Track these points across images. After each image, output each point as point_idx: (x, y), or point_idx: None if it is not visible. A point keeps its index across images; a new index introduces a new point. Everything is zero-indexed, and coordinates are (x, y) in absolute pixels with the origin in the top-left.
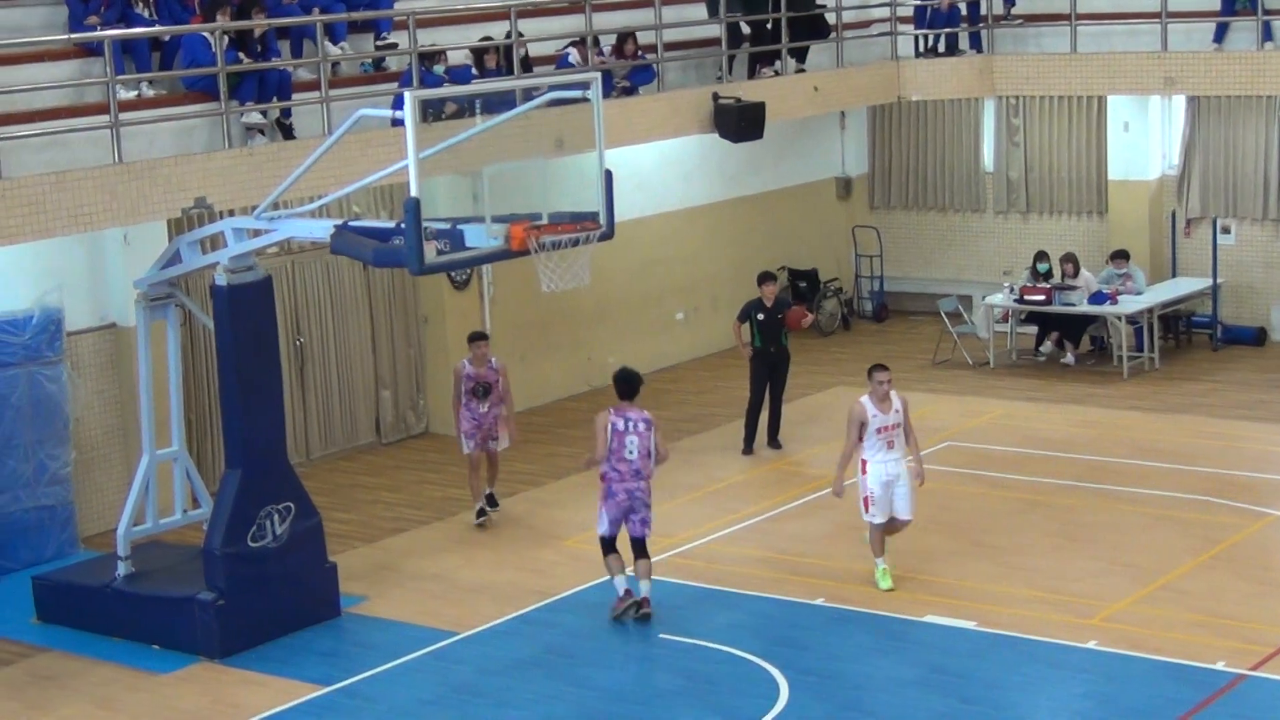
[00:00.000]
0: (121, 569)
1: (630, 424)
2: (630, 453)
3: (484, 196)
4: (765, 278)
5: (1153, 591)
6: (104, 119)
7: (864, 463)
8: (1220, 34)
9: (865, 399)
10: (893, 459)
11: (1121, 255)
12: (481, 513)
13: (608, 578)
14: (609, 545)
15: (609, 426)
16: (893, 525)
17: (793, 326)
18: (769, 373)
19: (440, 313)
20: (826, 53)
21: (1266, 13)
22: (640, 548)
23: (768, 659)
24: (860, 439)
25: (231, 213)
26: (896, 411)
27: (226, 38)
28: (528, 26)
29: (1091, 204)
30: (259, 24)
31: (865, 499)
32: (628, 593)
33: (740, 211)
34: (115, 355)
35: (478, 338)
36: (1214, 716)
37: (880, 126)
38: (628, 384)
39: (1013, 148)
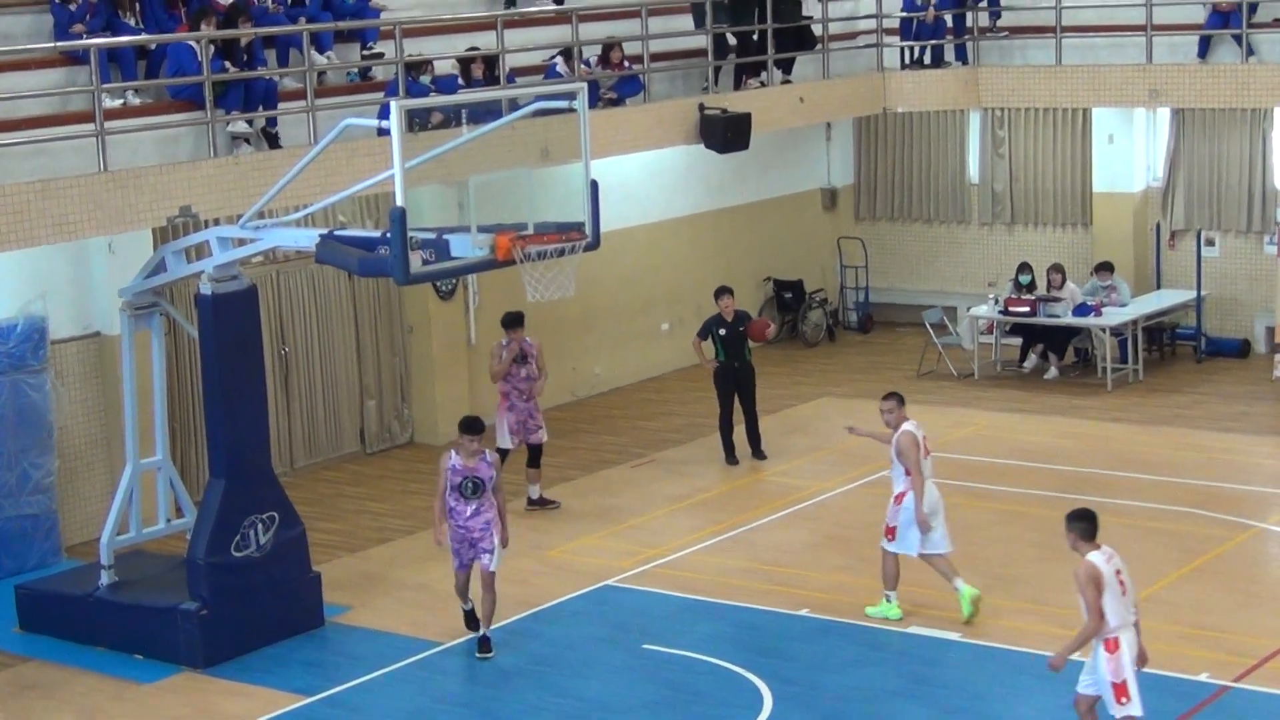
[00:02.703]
0: (105, 578)
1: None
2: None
3: (470, 206)
4: (721, 292)
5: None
6: (89, 127)
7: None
8: (1204, 48)
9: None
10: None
11: (1106, 267)
12: (472, 619)
13: (593, 587)
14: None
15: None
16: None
17: (757, 338)
18: (734, 387)
19: (426, 322)
20: (812, 64)
21: (1250, 27)
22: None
23: (751, 670)
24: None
25: (216, 221)
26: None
27: (212, 46)
28: (514, 37)
29: (1076, 216)
30: (245, 33)
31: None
32: None
33: (726, 222)
34: (99, 364)
35: (470, 429)
36: None
37: (866, 138)
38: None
39: (998, 159)
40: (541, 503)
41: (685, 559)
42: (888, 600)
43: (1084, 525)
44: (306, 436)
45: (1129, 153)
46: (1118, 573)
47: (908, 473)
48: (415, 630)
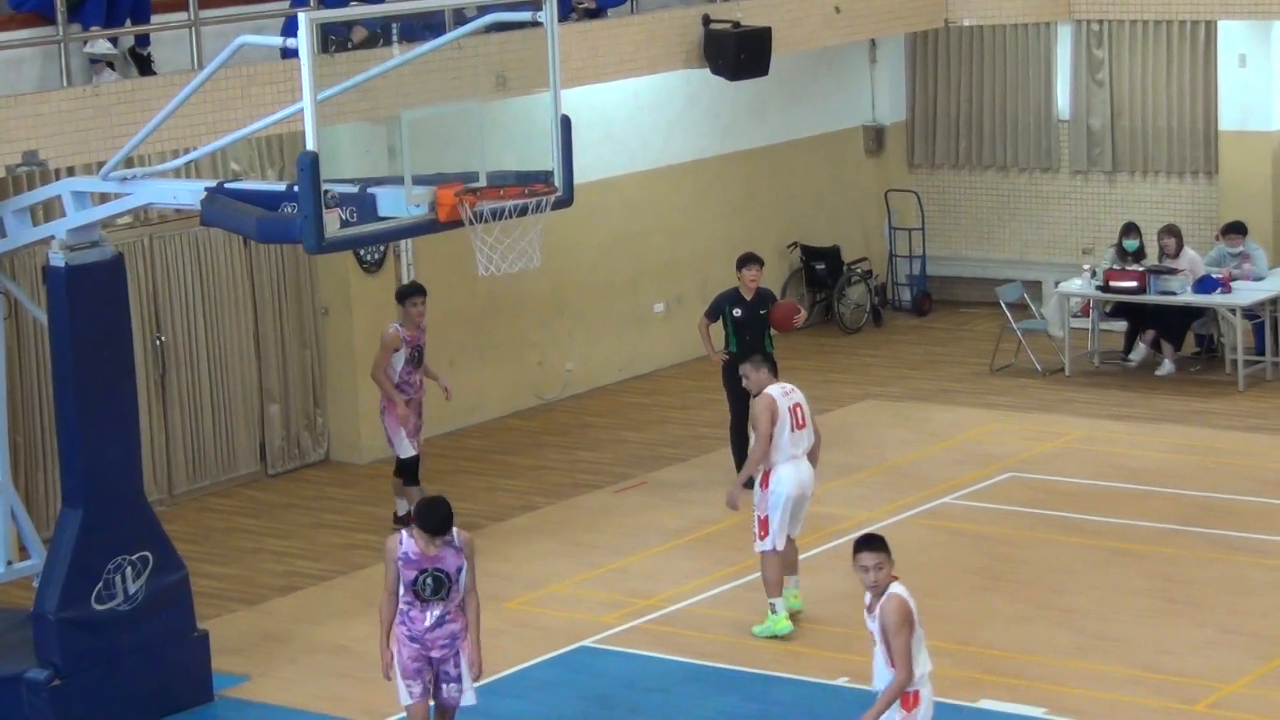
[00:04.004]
0: None
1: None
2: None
3: (403, 151)
4: (747, 260)
5: (1278, 668)
6: None
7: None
8: None
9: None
10: None
11: (1236, 229)
12: None
13: (566, 649)
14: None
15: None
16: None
17: (782, 326)
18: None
19: (345, 303)
20: None
21: None
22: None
23: None
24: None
25: (71, 171)
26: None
27: None
28: None
29: (1197, 162)
30: None
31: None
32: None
33: (739, 171)
34: None
35: (432, 522)
36: None
37: (922, 61)
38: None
39: (1095, 88)
40: (409, 521)
41: (686, 612)
42: (774, 611)
43: (885, 554)
44: (190, 453)
45: (1266, 79)
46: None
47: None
48: (332, 706)
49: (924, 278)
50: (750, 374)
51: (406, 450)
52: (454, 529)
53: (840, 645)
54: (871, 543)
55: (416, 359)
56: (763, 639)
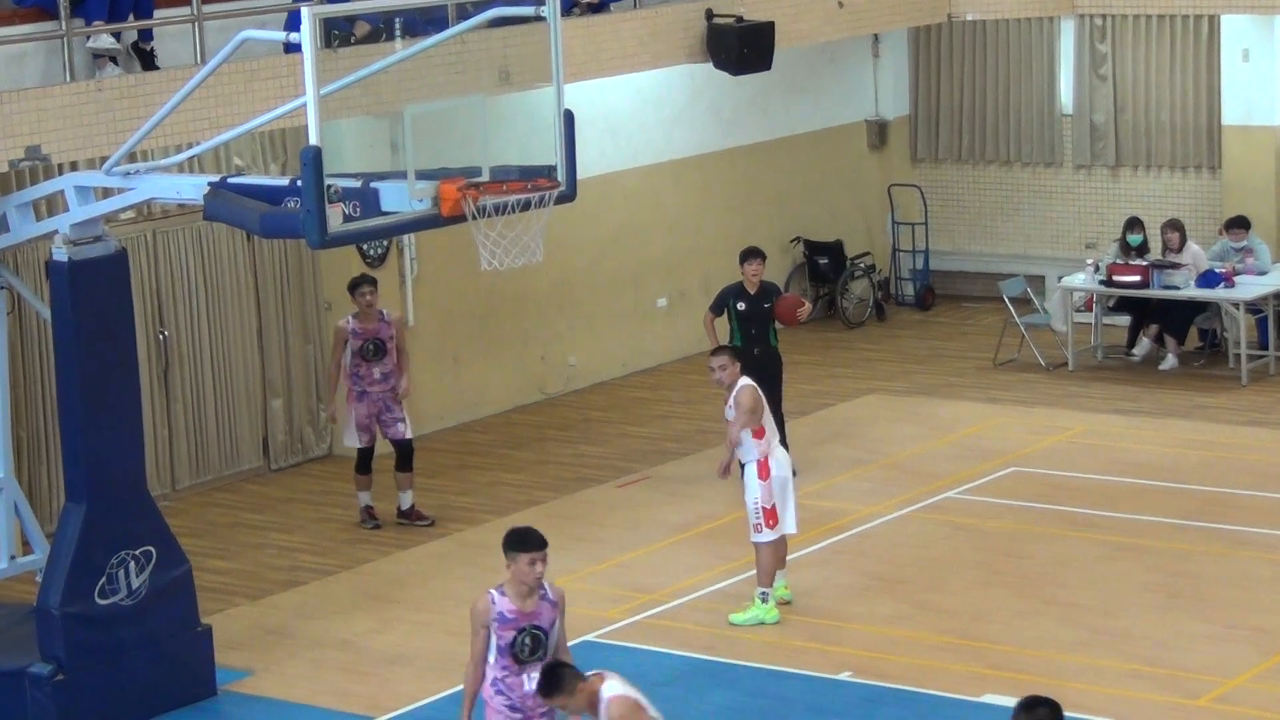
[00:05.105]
0: None
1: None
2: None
3: (406, 145)
4: (750, 255)
5: None
6: None
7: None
8: None
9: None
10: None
11: (1240, 224)
12: None
13: (570, 644)
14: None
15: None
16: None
17: (786, 320)
18: (754, 380)
19: (348, 298)
20: None
21: None
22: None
23: None
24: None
25: (75, 166)
26: (730, 407)
27: None
28: None
29: (1201, 156)
30: None
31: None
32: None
33: (741, 166)
34: None
35: (524, 543)
36: None
37: (925, 56)
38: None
39: (1098, 83)
40: (411, 516)
41: (689, 606)
42: (764, 600)
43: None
44: (193, 448)
45: (1270, 74)
46: None
47: (756, 435)
48: (337, 701)
49: (927, 272)
50: (728, 365)
51: (351, 439)
52: (546, 582)
53: (843, 640)
54: (548, 684)
55: (369, 352)
56: (749, 628)
